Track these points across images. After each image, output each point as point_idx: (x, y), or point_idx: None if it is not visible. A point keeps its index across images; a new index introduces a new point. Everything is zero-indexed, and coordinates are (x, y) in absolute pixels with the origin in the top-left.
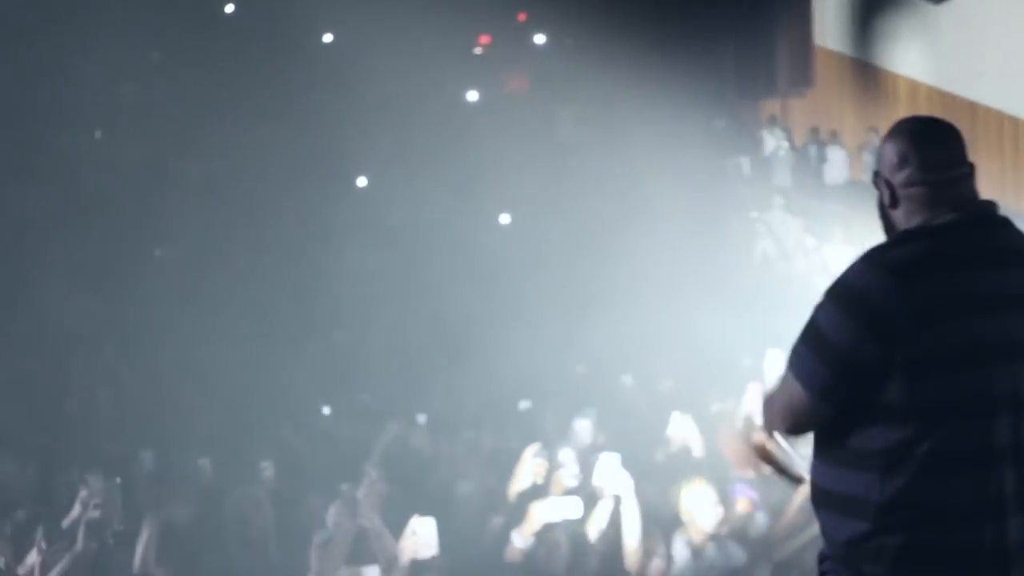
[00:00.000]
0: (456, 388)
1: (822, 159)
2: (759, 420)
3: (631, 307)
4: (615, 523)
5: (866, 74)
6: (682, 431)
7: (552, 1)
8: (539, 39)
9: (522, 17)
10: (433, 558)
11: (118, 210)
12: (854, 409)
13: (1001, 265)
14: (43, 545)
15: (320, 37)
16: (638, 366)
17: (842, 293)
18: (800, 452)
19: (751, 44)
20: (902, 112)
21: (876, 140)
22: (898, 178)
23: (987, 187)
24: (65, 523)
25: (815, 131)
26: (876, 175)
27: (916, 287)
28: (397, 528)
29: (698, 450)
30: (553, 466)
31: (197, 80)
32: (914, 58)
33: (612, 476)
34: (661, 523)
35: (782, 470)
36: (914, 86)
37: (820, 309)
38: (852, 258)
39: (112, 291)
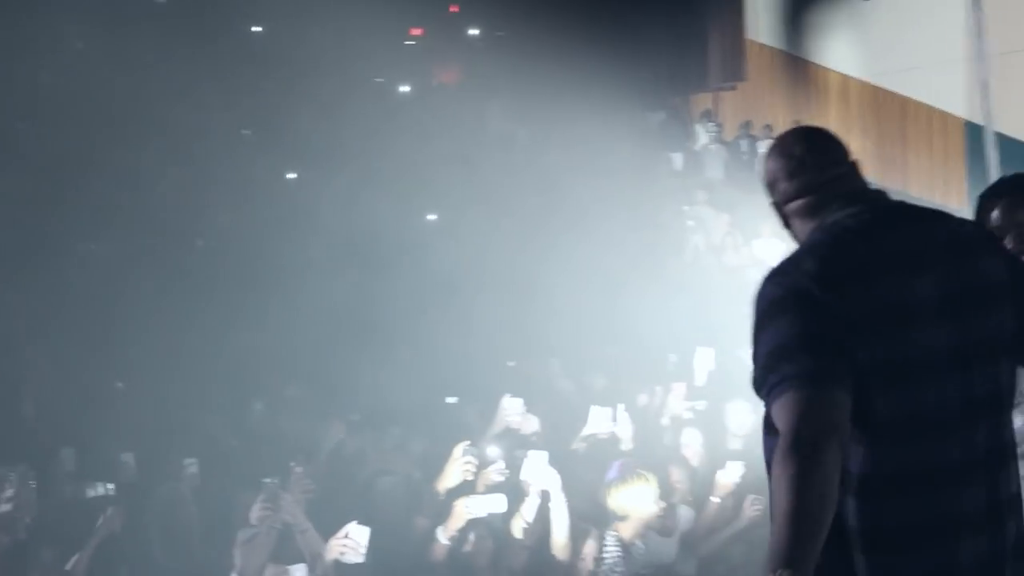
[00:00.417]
0: (383, 383)
1: (753, 153)
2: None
3: (561, 301)
4: (542, 519)
5: (798, 68)
6: (606, 424)
7: None
8: (471, 31)
9: (454, 9)
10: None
11: (39, 203)
12: None
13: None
14: None
15: (249, 28)
16: (568, 360)
17: (768, 309)
18: None
19: (683, 38)
20: (833, 106)
21: None
22: (777, 196)
23: (916, 181)
24: None
25: (747, 125)
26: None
27: (841, 297)
28: (320, 526)
29: (626, 443)
30: (482, 462)
31: (124, 70)
32: (845, 53)
33: (539, 472)
34: (589, 518)
35: None
36: (845, 81)
37: (762, 333)
38: (767, 271)
39: (35, 285)
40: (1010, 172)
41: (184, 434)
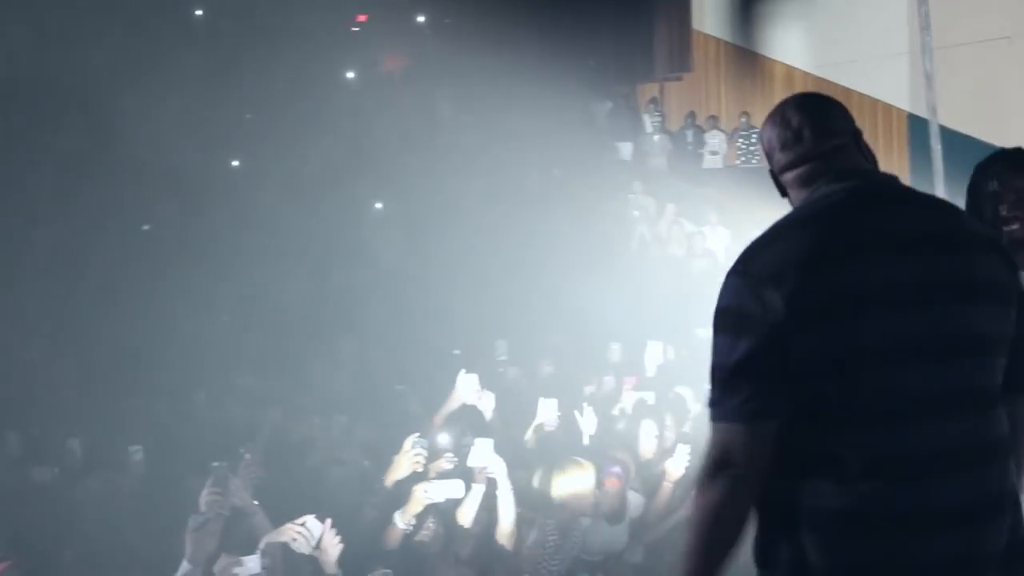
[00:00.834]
0: (330, 372)
1: (699, 143)
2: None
3: (508, 290)
4: (489, 506)
5: (743, 59)
6: (553, 414)
7: None
8: (418, 18)
9: None
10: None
11: None
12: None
13: (900, 245)
14: None
15: (192, 12)
16: (514, 348)
17: (720, 318)
18: None
19: (630, 29)
20: (778, 97)
21: (746, 124)
22: (774, 166)
23: None
24: None
25: (692, 115)
26: (771, 174)
27: (788, 288)
28: (269, 514)
29: (570, 432)
30: (432, 451)
31: (66, 54)
32: (790, 44)
33: (486, 459)
34: (536, 505)
35: None
36: (790, 72)
37: (714, 338)
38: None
39: None
40: (954, 165)
41: (131, 420)
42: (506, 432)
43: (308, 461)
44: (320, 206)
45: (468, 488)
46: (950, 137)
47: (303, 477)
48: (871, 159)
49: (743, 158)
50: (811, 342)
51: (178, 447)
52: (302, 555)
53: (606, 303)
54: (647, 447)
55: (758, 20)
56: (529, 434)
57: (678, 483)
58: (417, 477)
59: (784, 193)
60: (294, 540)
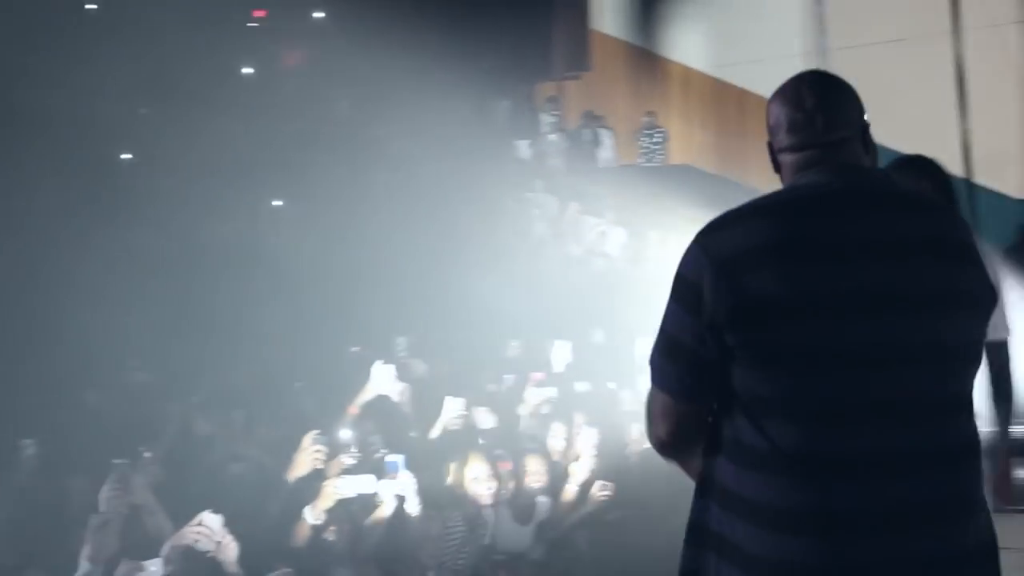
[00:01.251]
0: (229, 369)
1: (596, 142)
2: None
3: (407, 287)
4: (399, 515)
5: (641, 59)
6: (457, 412)
7: None
8: (316, 14)
9: None
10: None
11: None
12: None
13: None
14: None
15: (83, 3)
16: (412, 345)
17: (674, 283)
18: None
19: (529, 27)
20: (675, 97)
21: (650, 123)
22: (775, 143)
23: (756, 173)
24: None
25: (590, 114)
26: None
27: (738, 276)
28: (169, 511)
29: (473, 430)
30: (333, 447)
31: None
32: (688, 45)
33: (396, 481)
34: (440, 500)
35: None
36: (688, 72)
37: (665, 306)
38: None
39: None
40: None
41: (24, 417)
42: (420, 424)
43: (208, 458)
44: (217, 202)
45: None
46: None
47: (203, 475)
48: (873, 155)
49: (645, 157)
50: (742, 338)
51: (71, 444)
52: (204, 558)
53: (505, 301)
54: (555, 447)
55: (656, 20)
56: (435, 432)
57: (583, 484)
58: (319, 475)
59: (778, 169)
60: (196, 542)
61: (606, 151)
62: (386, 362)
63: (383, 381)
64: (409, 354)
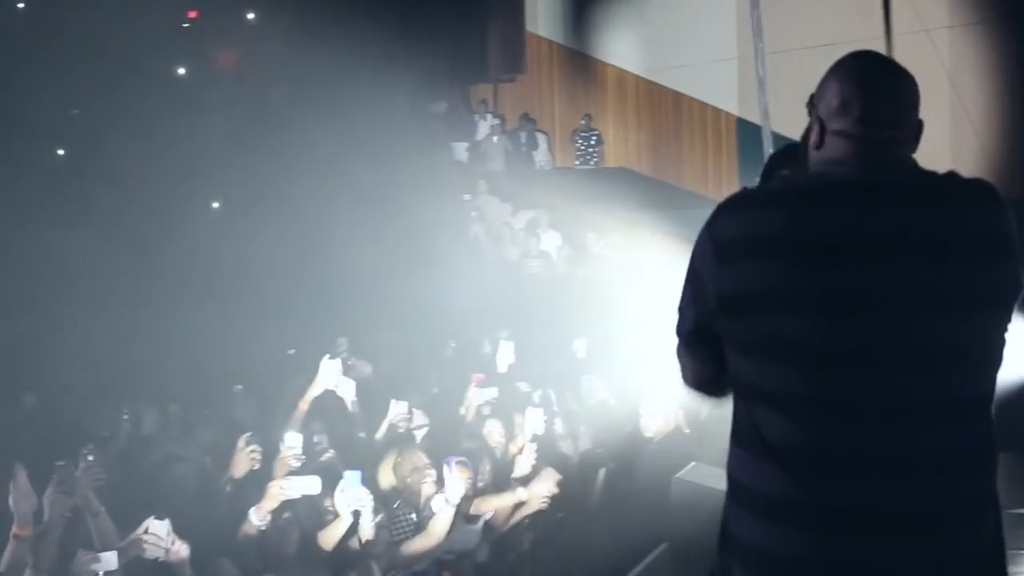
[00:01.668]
0: (168, 371)
1: (532, 145)
2: None
3: (344, 290)
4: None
5: (576, 62)
6: (402, 414)
7: None
8: (249, 15)
9: None
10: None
11: None
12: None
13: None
14: None
15: (14, 3)
16: (352, 347)
17: (688, 264)
18: None
19: (464, 30)
20: (611, 100)
21: (585, 126)
22: (833, 124)
23: (690, 175)
24: None
25: (526, 117)
26: (812, 106)
27: (736, 264)
28: (111, 513)
29: (420, 432)
30: (271, 449)
31: None
32: (623, 48)
33: (352, 495)
34: (385, 497)
35: None
36: (622, 75)
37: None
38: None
39: None
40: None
41: None
42: (366, 423)
43: (149, 459)
44: (154, 203)
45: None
46: (779, 141)
47: (145, 476)
48: (915, 150)
49: (580, 159)
50: (732, 326)
51: (10, 448)
52: (154, 564)
53: (443, 302)
54: (496, 446)
55: (592, 24)
56: (380, 434)
57: (525, 482)
58: (258, 476)
59: (819, 144)
60: (145, 551)
61: (542, 154)
62: (332, 357)
63: (331, 376)
64: (350, 354)
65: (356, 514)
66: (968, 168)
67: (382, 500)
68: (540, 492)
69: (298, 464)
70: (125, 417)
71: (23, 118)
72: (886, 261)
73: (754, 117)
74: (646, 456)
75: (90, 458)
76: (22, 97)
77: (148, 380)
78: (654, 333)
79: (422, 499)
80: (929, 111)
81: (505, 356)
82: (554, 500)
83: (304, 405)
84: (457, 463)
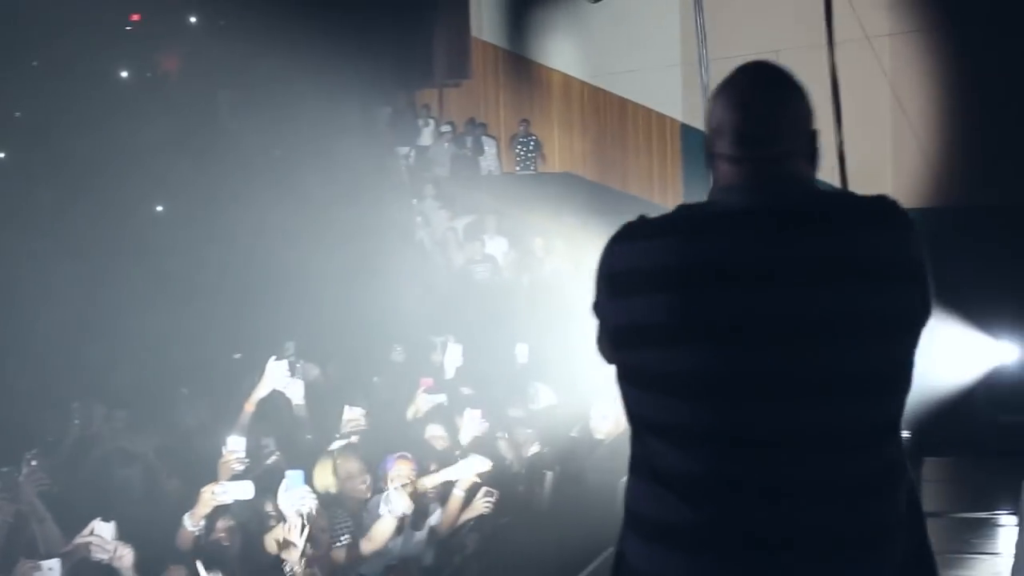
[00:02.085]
0: (113, 375)
1: (478, 150)
2: None
3: (288, 293)
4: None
5: (521, 67)
6: (356, 420)
7: None
8: (191, 19)
9: None
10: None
11: None
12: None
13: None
14: None
15: None
16: (299, 350)
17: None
18: None
19: (409, 34)
20: (556, 105)
21: (524, 131)
22: (716, 148)
23: (635, 181)
24: None
25: (471, 122)
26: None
27: (626, 297)
28: (57, 516)
29: (363, 436)
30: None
31: None
32: (568, 54)
33: (297, 497)
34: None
35: None
36: (568, 81)
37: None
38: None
39: None
40: None
41: None
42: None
43: (94, 462)
44: (98, 205)
45: (260, 490)
46: None
47: (90, 480)
48: (815, 163)
49: (520, 165)
50: (622, 357)
51: None
52: (99, 566)
53: (389, 307)
54: (441, 451)
55: (537, 29)
56: (336, 444)
57: (469, 490)
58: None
59: (709, 164)
60: (91, 553)
61: (489, 159)
62: (279, 359)
63: (277, 377)
64: (297, 357)
65: (301, 516)
66: (910, 175)
67: (322, 503)
68: (469, 472)
69: (241, 468)
70: (76, 422)
71: None
72: (772, 288)
73: (698, 123)
74: (596, 458)
75: (34, 463)
76: None
77: (94, 383)
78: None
79: (360, 503)
80: (871, 118)
81: (452, 359)
82: (500, 504)
83: (250, 407)
84: (399, 458)
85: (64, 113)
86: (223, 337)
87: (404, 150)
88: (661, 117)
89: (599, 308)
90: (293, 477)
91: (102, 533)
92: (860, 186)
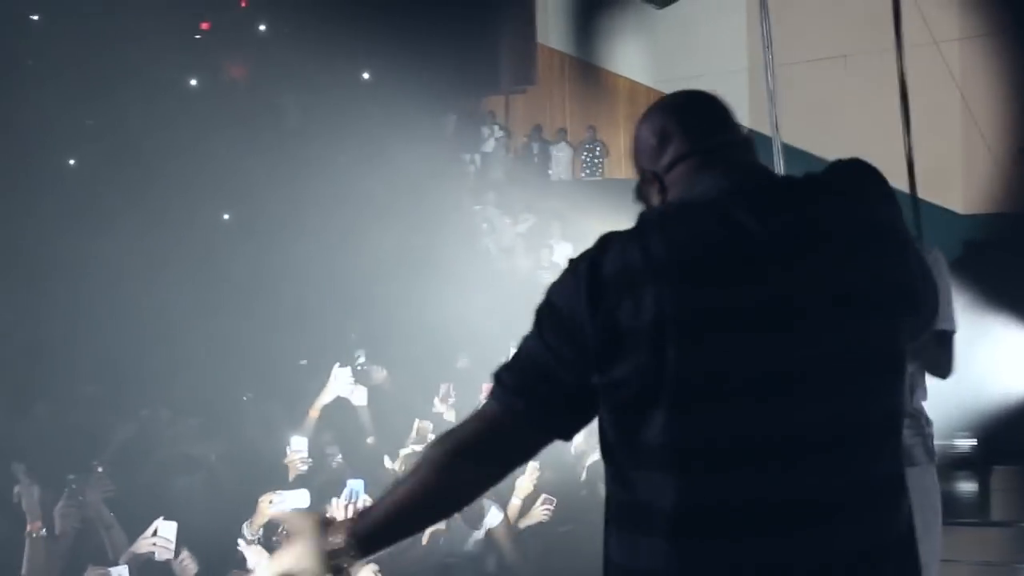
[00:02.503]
0: (179, 381)
1: (545, 156)
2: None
3: (357, 300)
4: None
5: (587, 73)
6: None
7: None
8: (260, 27)
9: (244, 4)
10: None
11: None
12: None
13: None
14: None
15: (27, 16)
16: (366, 360)
17: (537, 312)
18: None
19: (475, 41)
20: (622, 112)
21: (590, 137)
22: (663, 161)
23: None
24: None
25: (538, 128)
26: (641, 178)
27: (617, 301)
28: (122, 523)
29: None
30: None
31: None
32: (634, 59)
33: (358, 506)
34: None
35: None
36: (633, 86)
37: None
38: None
39: None
40: None
41: None
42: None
43: (156, 468)
44: (165, 212)
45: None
46: (788, 153)
47: (152, 486)
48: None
49: (587, 171)
50: (627, 369)
51: (20, 458)
52: (163, 567)
53: (455, 314)
54: None
55: (602, 35)
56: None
57: (527, 498)
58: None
59: (662, 194)
60: (152, 552)
61: (560, 164)
62: (342, 365)
63: (342, 383)
64: (368, 364)
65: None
66: (979, 180)
67: None
68: (528, 479)
69: (305, 468)
70: (141, 428)
71: (36, 128)
72: (788, 264)
73: (764, 128)
74: None
75: (100, 469)
76: (36, 107)
77: (160, 389)
78: None
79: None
80: (940, 123)
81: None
82: (560, 511)
83: (315, 413)
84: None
85: (133, 120)
86: (289, 343)
87: (469, 156)
88: None
89: (560, 325)
90: (354, 486)
91: (165, 533)
92: (929, 192)
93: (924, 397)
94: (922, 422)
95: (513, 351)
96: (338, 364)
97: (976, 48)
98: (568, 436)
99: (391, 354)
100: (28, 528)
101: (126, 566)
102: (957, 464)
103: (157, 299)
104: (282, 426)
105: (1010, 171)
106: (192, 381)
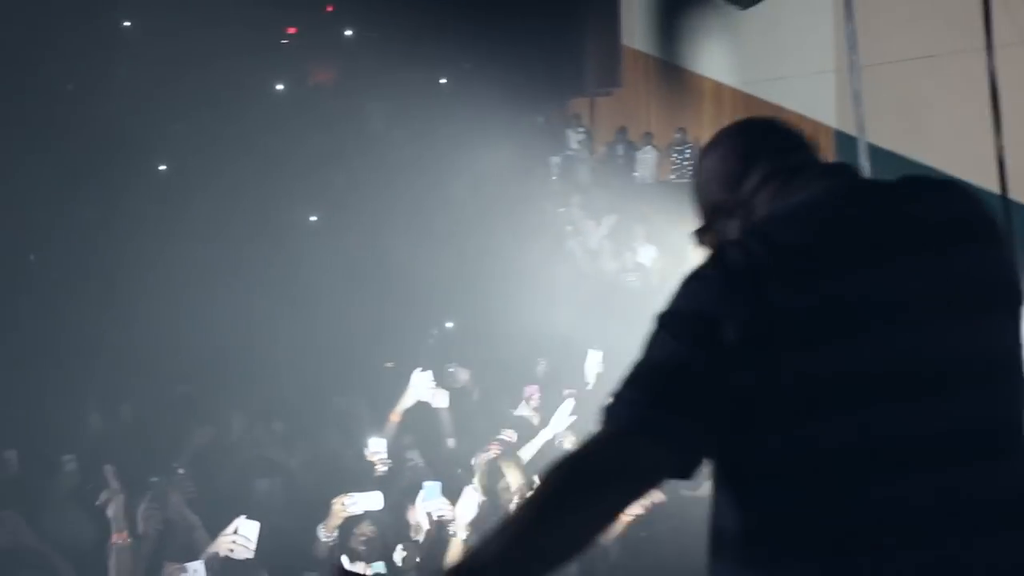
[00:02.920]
0: (267, 383)
1: (630, 159)
2: None
3: (441, 302)
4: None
5: (672, 75)
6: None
7: None
8: (346, 32)
9: (330, 8)
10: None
11: None
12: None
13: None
14: None
15: (120, 22)
16: (448, 361)
17: (668, 320)
18: None
19: (561, 44)
20: (708, 113)
21: (680, 139)
22: (749, 183)
23: None
24: None
25: (623, 131)
26: (713, 211)
27: (771, 289)
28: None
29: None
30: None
31: None
32: (719, 60)
33: (434, 504)
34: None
35: None
36: (719, 88)
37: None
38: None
39: None
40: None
41: (63, 432)
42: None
43: (236, 471)
44: (252, 216)
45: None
46: (876, 154)
47: (235, 488)
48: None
49: (676, 173)
50: (791, 367)
51: (111, 459)
52: (243, 564)
53: (539, 318)
54: None
55: (687, 37)
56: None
57: None
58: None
59: (718, 235)
60: (232, 551)
61: (645, 167)
62: (424, 369)
63: (422, 388)
64: (456, 370)
65: (438, 524)
66: None
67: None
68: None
69: (384, 469)
70: (213, 429)
71: (127, 133)
72: (926, 256)
73: (852, 129)
74: None
75: (181, 471)
76: (126, 112)
77: (245, 393)
78: None
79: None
80: None
81: (593, 366)
82: (643, 515)
83: (396, 417)
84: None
85: (222, 125)
86: (375, 346)
87: (555, 159)
88: (814, 124)
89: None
90: (431, 488)
91: (246, 532)
92: (1020, 191)
93: None
94: None
95: (629, 371)
96: (419, 369)
97: None
98: (699, 457)
99: (475, 356)
100: (113, 538)
101: (202, 562)
102: None
103: (246, 301)
104: (365, 430)
105: None
106: (277, 384)
